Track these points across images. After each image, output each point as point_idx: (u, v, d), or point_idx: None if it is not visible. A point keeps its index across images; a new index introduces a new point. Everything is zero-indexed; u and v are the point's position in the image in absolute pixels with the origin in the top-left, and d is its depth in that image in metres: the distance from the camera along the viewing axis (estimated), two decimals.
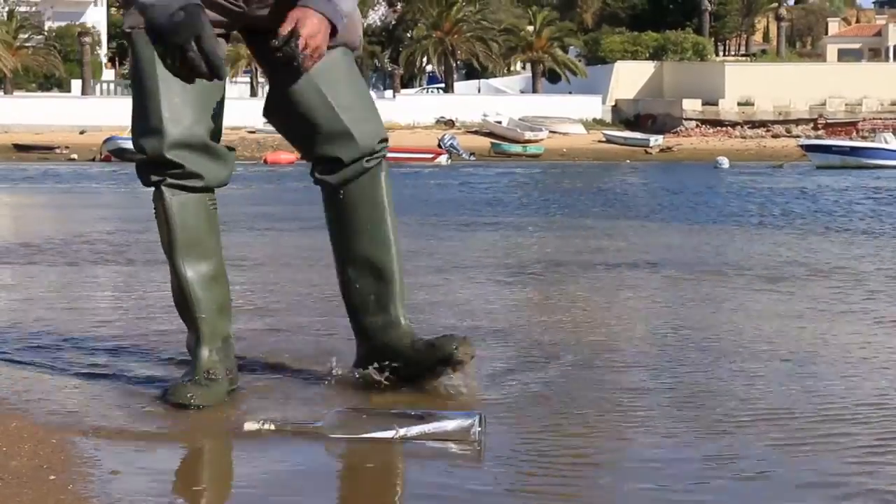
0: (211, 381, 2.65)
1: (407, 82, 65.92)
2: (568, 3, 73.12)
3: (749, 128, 56.42)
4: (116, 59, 72.89)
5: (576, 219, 10.87)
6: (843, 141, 43.02)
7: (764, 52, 78.42)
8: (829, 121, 56.37)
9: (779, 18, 72.56)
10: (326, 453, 2.26)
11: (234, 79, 55.46)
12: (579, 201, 14.82)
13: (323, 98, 2.68)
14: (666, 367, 3.13)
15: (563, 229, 9.38)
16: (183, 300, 2.69)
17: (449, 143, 47.48)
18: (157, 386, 2.76)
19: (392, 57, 67.84)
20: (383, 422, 2.35)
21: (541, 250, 7.23)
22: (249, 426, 2.35)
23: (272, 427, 2.34)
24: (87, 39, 59.95)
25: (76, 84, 60.69)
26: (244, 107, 39.46)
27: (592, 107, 58.76)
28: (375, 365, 2.73)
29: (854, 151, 38.46)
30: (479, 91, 64.12)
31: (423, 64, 68.15)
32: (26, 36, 60.95)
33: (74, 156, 45.42)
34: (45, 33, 64.05)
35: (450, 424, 2.34)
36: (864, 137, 48.06)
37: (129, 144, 41.33)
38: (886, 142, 39.72)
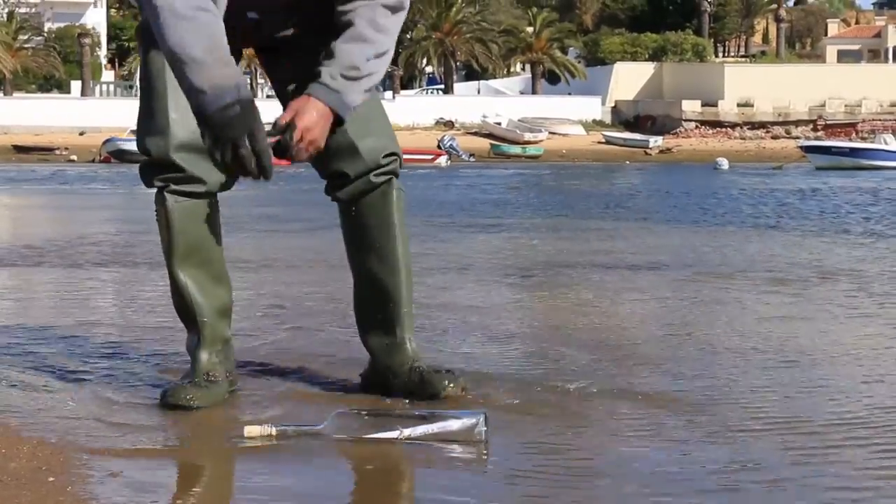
0: (211, 382, 2.64)
1: (406, 83, 65.95)
2: (567, 4, 73.14)
3: (748, 129, 56.42)
4: (116, 60, 72.91)
5: (583, 220, 10.85)
6: (843, 142, 43.03)
7: (763, 53, 78.45)
8: (828, 122, 56.38)
9: (778, 19, 72.60)
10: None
11: None
12: (584, 203, 14.81)
13: None
14: (679, 370, 3.11)
15: (572, 231, 9.33)
16: (183, 304, 2.68)
17: (448, 144, 47.49)
18: (157, 387, 2.75)
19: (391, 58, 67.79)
20: (386, 423, 2.34)
21: (557, 252, 7.19)
22: (251, 430, 2.33)
23: (274, 430, 2.32)
24: (87, 41, 59.94)
25: (76, 85, 60.70)
26: None
27: (592, 108, 58.77)
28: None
29: (853, 153, 38.47)
30: (478, 92, 64.14)
31: (423, 65, 68.19)
32: (26, 37, 60.96)
33: (74, 157, 45.43)
34: (45, 34, 64.06)
35: (454, 424, 2.33)
36: (863, 139, 48.09)
37: (128, 146, 41.24)
38: (886, 143, 39.73)
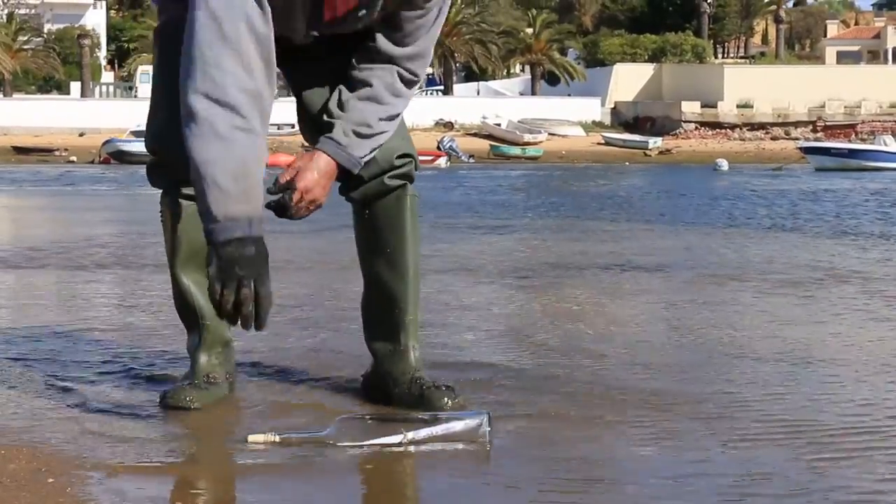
0: (210, 384, 2.64)
1: None
2: (567, 5, 73.17)
3: (748, 130, 56.42)
4: (116, 61, 72.90)
5: (590, 222, 10.84)
6: (842, 143, 43.04)
7: (763, 54, 78.46)
8: (827, 123, 56.37)
9: (777, 21, 72.62)
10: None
11: None
12: (591, 204, 14.78)
13: None
14: (691, 374, 3.09)
15: (581, 232, 9.30)
16: (184, 306, 2.68)
17: (448, 145, 47.51)
18: (157, 389, 2.75)
19: None
20: (390, 427, 2.33)
21: (570, 254, 7.15)
22: (255, 437, 2.31)
23: (278, 438, 2.31)
24: (87, 42, 59.93)
25: (75, 86, 60.70)
26: None
27: (591, 109, 58.76)
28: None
29: (853, 154, 38.48)
30: (478, 93, 64.14)
31: None
32: (25, 38, 60.91)
33: (73, 158, 45.41)
34: (45, 35, 64.02)
35: (457, 425, 2.32)
36: (863, 140, 48.08)
37: (128, 147, 41.14)
38: (886, 144, 39.73)
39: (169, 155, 2.56)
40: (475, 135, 54.21)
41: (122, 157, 41.54)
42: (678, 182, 24.74)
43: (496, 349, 3.53)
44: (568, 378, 3.03)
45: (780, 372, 3.15)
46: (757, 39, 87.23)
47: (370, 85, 2.52)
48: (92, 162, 43.39)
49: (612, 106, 59.78)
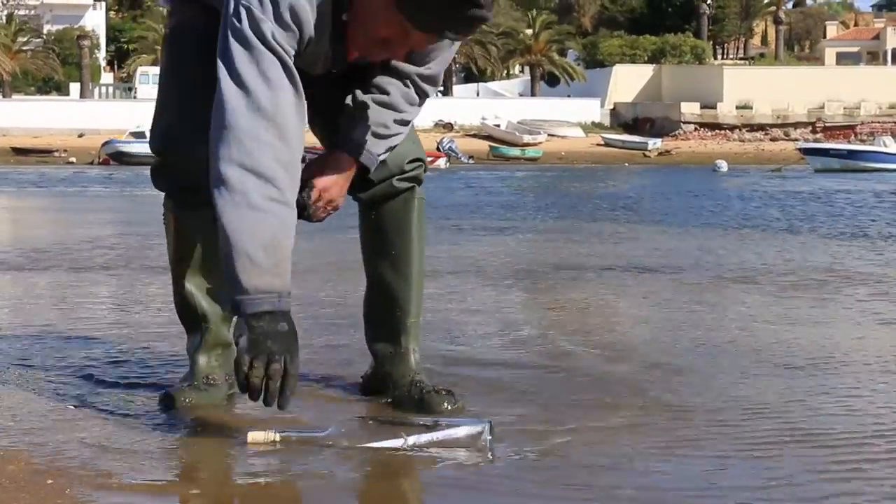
0: (210, 385, 2.63)
1: None
2: (566, 6, 73.17)
3: (747, 131, 56.44)
4: (115, 62, 72.91)
5: (597, 223, 10.84)
6: (842, 144, 43.06)
7: (762, 55, 78.47)
8: (827, 124, 56.39)
9: (777, 22, 72.64)
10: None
11: None
12: (595, 205, 14.77)
13: None
14: (705, 380, 3.06)
15: (589, 234, 9.30)
16: (185, 308, 2.67)
17: (448, 146, 47.52)
18: (157, 390, 2.74)
19: None
20: (391, 431, 2.32)
21: (578, 255, 7.16)
22: (254, 436, 2.31)
23: (278, 437, 2.30)
24: (86, 43, 59.96)
25: (75, 87, 60.71)
26: None
27: (591, 110, 58.77)
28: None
29: (852, 155, 38.50)
30: (477, 94, 64.15)
31: None
32: (25, 39, 60.95)
33: (73, 159, 45.42)
34: (44, 37, 64.07)
35: (459, 432, 2.31)
36: (862, 141, 48.10)
37: (127, 148, 41.09)
38: (885, 145, 39.76)
39: (174, 156, 2.56)
40: (474, 136, 54.23)
41: (121, 159, 41.56)
42: (679, 183, 24.74)
43: (503, 351, 3.51)
44: (578, 383, 3.00)
45: (795, 377, 3.12)
46: (756, 40, 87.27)
47: (387, 92, 2.53)
48: (91, 163, 43.39)
49: (612, 107, 59.79)
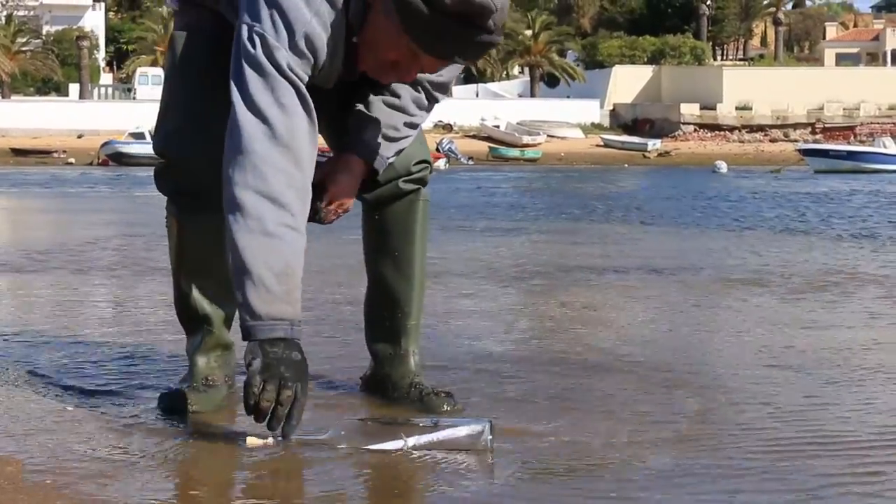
0: (209, 387, 2.63)
1: None
2: (566, 7, 73.21)
3: (747, 132, 56.49)
4: (114, 63, 72.94)
5: (604, 224, 10.81)
6: (841, 145, 43.11)
7: (762, 56, 78.51)
8: (826, 125, 56.44)
9: (777, 23, 72.69)
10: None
11: None
12: (597, 206, 14.76)
13: None
14: (720, 385, 3.03)
15: (595, 235, 9.27)
16: (186, 309, 2.66)
17: (447, 147, 47.56)
18: (156, 391, 2.73)
19: None
20: (391, 432, 2.32)
21: (601, 257, 7.14)
22: (253, 440, 2.30)
23: (277, 440, 2.29)
24: (85, 43, 59.99)
25: (74, 88, 60.74)
26: None
27: (590, 111, 58.83)
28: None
29: (852, 156, 38.54)
30: (477, 95, 64.16)
31: None
32: (24, 40, 60.95)
33: (72, 160, 45.44)
34: (43, 37, 64.07)
35: (459, 432, 2.30)
36: (861, 142, 48.17)
37: (126, 148, 41.08)
38: (885, 146, 39.79)
39: (178, 158, 2.55)
40: (474, 136, 54.27)
41: (120, 159, 41.61)
42: (680, 183, 24.74)
43: (511, 354, 3.51)
44: (591, 387, 2.97)
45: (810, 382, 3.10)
46: (756, 41, 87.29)
47: (398, 95, 2.54)
48: (90, 164, 43.41)
49: (611, 108, 59.84)
